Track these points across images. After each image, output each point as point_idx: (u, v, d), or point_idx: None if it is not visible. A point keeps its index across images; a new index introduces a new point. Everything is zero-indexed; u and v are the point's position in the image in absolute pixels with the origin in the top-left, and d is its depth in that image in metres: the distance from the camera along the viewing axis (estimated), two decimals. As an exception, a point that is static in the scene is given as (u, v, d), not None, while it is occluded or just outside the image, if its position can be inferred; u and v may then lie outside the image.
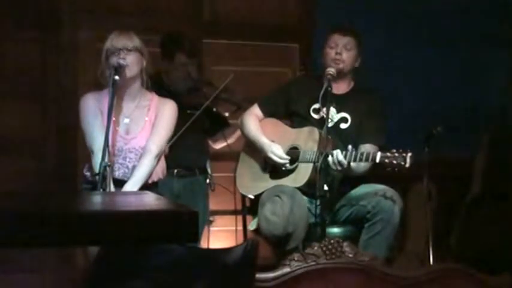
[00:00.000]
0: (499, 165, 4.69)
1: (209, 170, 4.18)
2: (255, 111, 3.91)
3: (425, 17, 5.07)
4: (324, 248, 3.10)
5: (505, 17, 5.13)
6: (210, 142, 4.27)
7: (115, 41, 3.41)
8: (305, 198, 3.61)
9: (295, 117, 3.84)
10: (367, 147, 3.61)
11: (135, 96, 3.51)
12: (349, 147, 3.50)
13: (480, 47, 5.14)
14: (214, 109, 4.11)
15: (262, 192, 3.68)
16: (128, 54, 3.40)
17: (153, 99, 3.55)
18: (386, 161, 3.41)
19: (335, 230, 3.69)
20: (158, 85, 3.94)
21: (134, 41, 3.44)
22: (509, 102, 5.11)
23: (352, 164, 3.53)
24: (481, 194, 4.65)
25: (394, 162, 3.39)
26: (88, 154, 3.46)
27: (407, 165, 3.38)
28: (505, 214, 4.47)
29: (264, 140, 3.78)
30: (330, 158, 3.48)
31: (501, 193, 4.57)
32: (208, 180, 4.15)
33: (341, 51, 3.72)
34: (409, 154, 3.39)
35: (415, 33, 5.04)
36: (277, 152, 3.71)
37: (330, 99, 3.62)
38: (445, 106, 4.97)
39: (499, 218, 4.50)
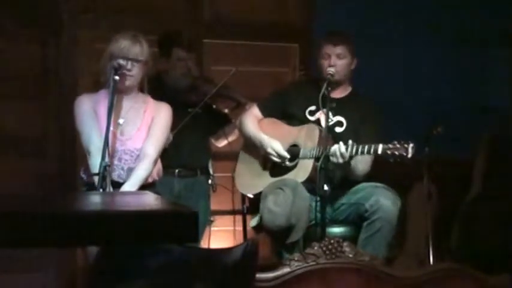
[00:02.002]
0: (499, 165, 4.69)
1: (211, 171, 4.17)
2: (254, 112, 3.93)
3: (425, 17, 5.07)
4: (324, 248, 3.10)
5: (505, 16, 5.13)
6: (213, 140, 4.26)
7: (126, 49, 3.37)
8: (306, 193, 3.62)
9: (292, 119, 3.87)
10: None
11: (131, 97, 3.50)
12: (350, 141, 3.52)
13: (480, 47, 5.14)
14: (214, 106, 4.11)
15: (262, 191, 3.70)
16: (136, 65, 3.39)
17: (149, 101, 3.55)
18: (389, 152, 3.43)
19: (335, 230, 3.69)
20: (158, 85, 3.94)
21: (144, 51, 3.41)
22: (509, 102, 5.11)
23: (351, 162, 3.54)
24: (481, 194, 4.65)
25: (396, 153, 3.41)
26: (84, 157, 3.46)
27: (409, 155, 3.40)
28: (505, 214, 4.47)
29: (263, 136, 3.80)
30: (332, 149, 3.50)
31: (501, 193, 4.57)
32: (210, 181, 4.14)
33: (334, 63, 3.74)
34: (411, 145, 3.41)
35: (415, 33, 5.04)
36: (277, 148, 3.73)
37: (330, 99, 3.64)
38: (445, 106, 4.97)
39: (499, 218, 4.49)
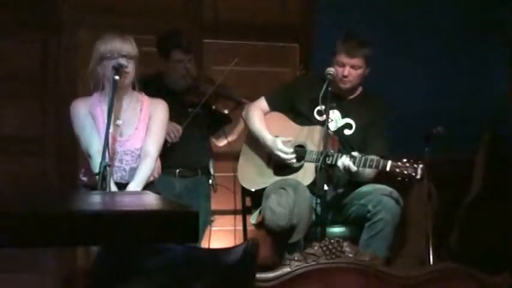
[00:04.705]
0: (499, 165, 4.69)
1: (212, 171, 4.16)
2: (261, 104, 3.91)
3: (426, 17, 5.07)
4: (324, 248, 3.09)
5: (505, 16, 5.13)
6: (213, 140, 4.26)
7: (119, 47, 3.38)
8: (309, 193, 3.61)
9: (299, 116, 3.84)
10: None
11: (126, 97, 3.50)
12: (356, 153, 3.51)
13: (480, 47, 5.13)
14: (214, 106, 4.10)
15: (264, 188, 3.69)
16: (130, 62, 3.40)
17: (144, 100, 3.55)
18: (397, 170, 3.41)
19: (335, 230, 3.69)
20: (158, 85, 3.94)
21: (135, 48, 3.43)
22: (509, 102, 5.10)
23: (359, 169, 3.53)
24: (481, 194, 4.65)
25: (405, 172, 3.39)
26: (83, 159, 3.45)
27: (418, 176, 3.39)
28: (505, 214, 4.47)
29: (267, 136, 3.78)
30: (339, 162, 3.48)
31: (501, 193, 4.57)
32: (210, 181, 4.14)
33: (348, 73, 3.69)
34: (421, 166, 3.39)
35: (415, 33, 5.03)
36: (284, 149, 3.71)
37: (330, 100, 3.62)
38: (445, 106, 4.97)
39: (499, 218, 4.49)
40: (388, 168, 3.43)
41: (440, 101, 5.02)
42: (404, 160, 3.41)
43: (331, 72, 3.66)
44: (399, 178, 3.42)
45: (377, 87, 4.00)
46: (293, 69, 4.98)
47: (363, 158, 3.48)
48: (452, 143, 4.46)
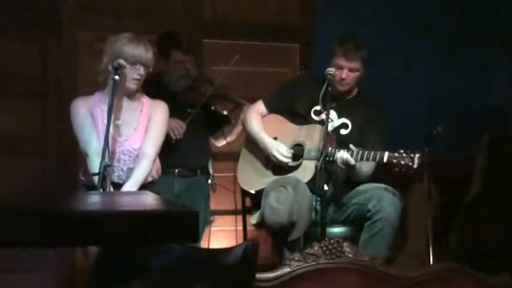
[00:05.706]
0: (499, 165, 4.69)
1: (211, 171, 4.17)
2: (259, 107, 3.92)
3: (426, 17, 5.07)
4: (324, 248, 3.10)
5: (505, 16, 5.13)
6: (212, 140, 4.27)
7: (143, 55, 3.39)
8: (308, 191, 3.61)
9: (296, 116, 3.85)
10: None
11: (126, 98, 3.50)
12: (353, 147, 3.51)
13: (480, 47, 5.13)
14: (213, 107, 4.10)
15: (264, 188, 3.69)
16: (145, 70, 3.42)
17: (145, 101, 3.55)
18: (394, 161, 3.42)
19: (335, 230, 3.69)
20: (158, 85, 3.94)
21: (153, 58, 3.46)
22: (509, 102, 5.11)
23: (356, 164, 3.53)
24: (481, 194, 4.65)
25: (402, 162, 3.41)
26: (83, 159, 3.46)
27: (415, 165, 3.40)
28: (505, 214, 4.47)
29: (266, 139, 3.80)
30: (337, 155, 3.49)
31: (501, 193, 4.57)
32: (210, 181, 4.14)
33: (346, 76, 3.71)
34: (417, 155, 3.41)
35: (415, 33, 5.03)
36: (282, 151, 3.72)
37: (330, 100, 3.62)
38: (445, 106, 4.97)
39: (499, 218, 4.49)
40: (385, 160, 3.44)
41: (440, 101, 5.02)
42: (401, 151, 3.43)
43: (331, 72, 3.67)
44: (396, 169, 3.43)
45: (377, 87, 4.00)
46: (293, 69, 4.98)
47: (361, 151, 3.50)
48: (452, 143, 4.46)
